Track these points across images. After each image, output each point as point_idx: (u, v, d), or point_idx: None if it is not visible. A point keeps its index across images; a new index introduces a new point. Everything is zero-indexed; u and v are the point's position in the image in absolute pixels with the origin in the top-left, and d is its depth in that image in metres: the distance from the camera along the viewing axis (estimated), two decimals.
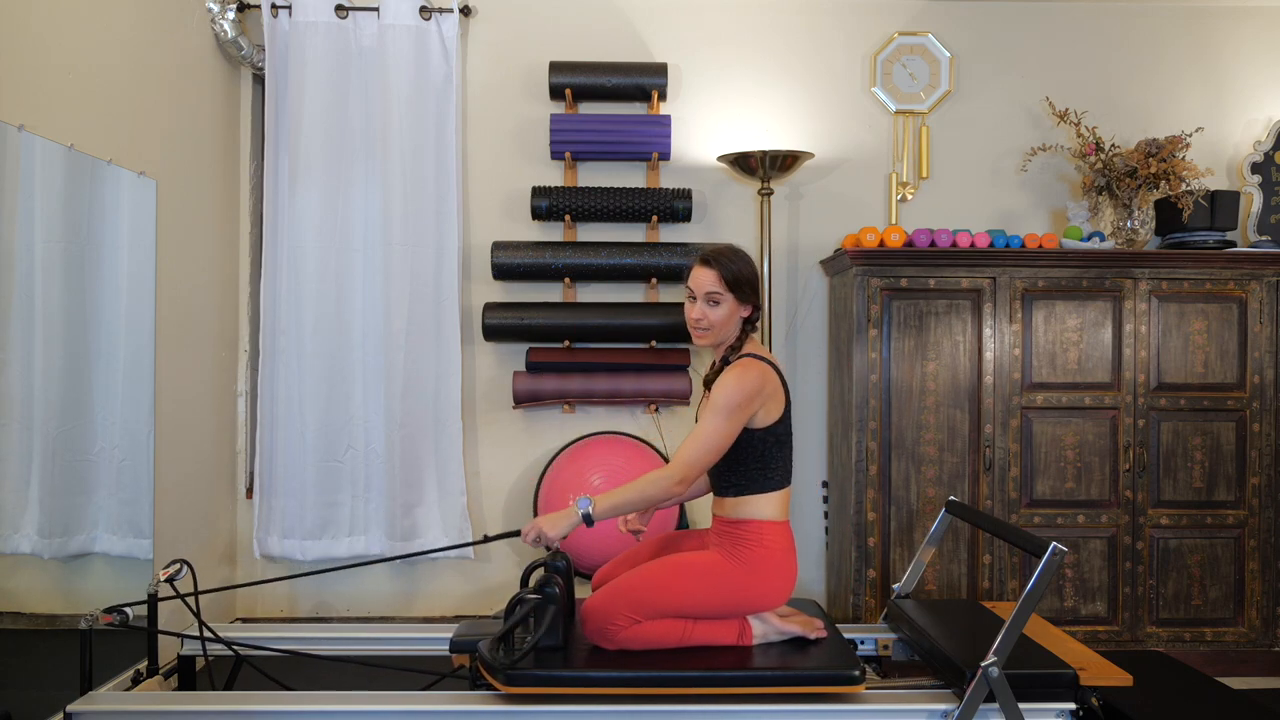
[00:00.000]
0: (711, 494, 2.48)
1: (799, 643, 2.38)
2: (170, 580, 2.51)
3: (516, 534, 2.45)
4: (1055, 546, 2.13)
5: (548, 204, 3.87)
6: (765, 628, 2.38)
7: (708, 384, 2.45)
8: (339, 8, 3.85)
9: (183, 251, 3.52)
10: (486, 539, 2.67)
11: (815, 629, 2.41)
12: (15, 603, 2.63)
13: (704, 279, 2.38)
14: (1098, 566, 3.62)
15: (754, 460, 2.36)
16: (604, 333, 3.84)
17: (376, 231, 3.88)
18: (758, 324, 2.47)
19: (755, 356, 2.37)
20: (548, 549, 2.34)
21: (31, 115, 2.63)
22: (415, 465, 3.87)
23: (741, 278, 2.37)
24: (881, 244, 3.63)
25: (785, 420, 2.39)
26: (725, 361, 2.42)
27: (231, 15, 3.76)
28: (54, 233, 2.77)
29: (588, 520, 2.28)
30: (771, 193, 3.83)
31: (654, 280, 3.90)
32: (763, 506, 2.36)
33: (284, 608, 4.02)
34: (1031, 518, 3.61)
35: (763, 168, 3.73)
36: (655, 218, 3.90)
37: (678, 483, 2.27)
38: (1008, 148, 4.06)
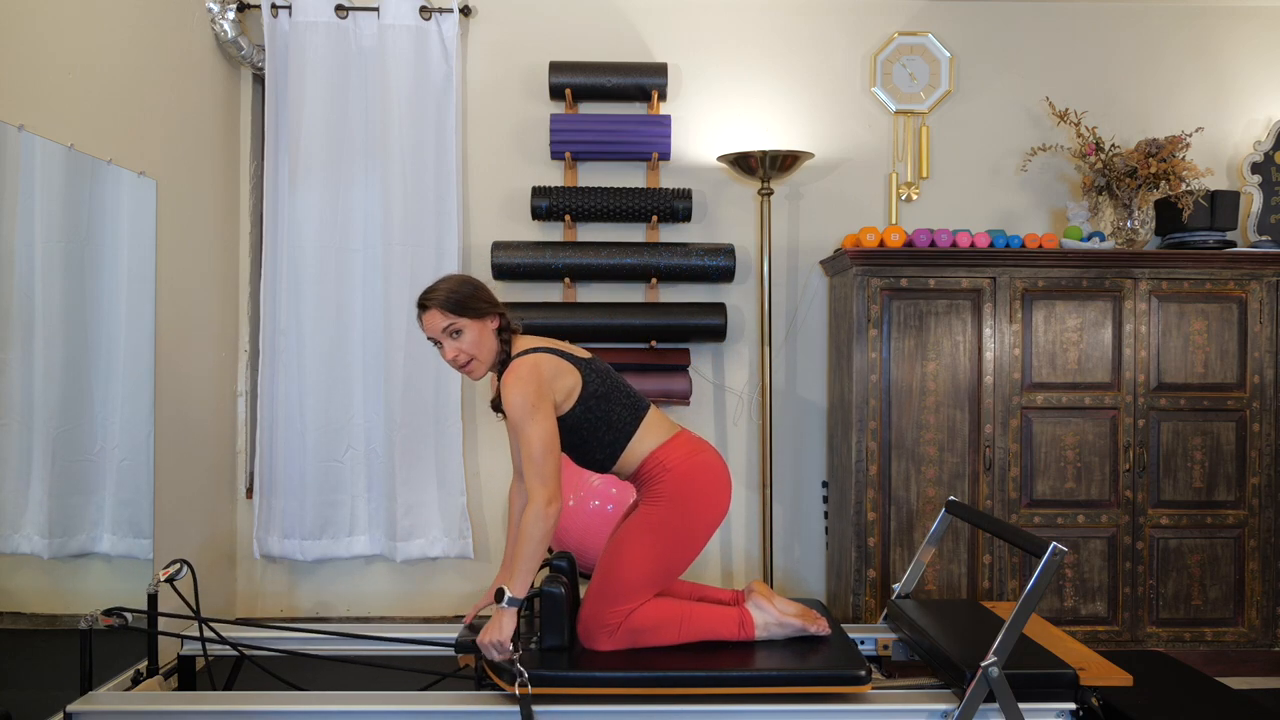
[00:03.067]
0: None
1: (804, 642, 2.38)
2: (170, 580, 2.51)
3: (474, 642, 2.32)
4: (1055, 546, 2.13)
5: (548, 204, 3.87)
6: (766, 618, 2.38)
7: (495, 407, 2.41)
8: (339, 8, 3.85)
9: (183, 251, 3.52)
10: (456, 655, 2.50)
11: (817, 622, 2.41)
12: (15, 603, 2.63)
13: (432, 320, 2.33)
14: (1098, 566, 3.62)
15: (594, 430, 2.35)
16: (604, 333, 3.84)
17: (376, 231, 3.88)
18: (515, 327, 2.40)
19: (520, 355, 2.31)
20: (511, 662, 2.20)
21: (31, 115, 2.63)
22: (415, 465, 3.87)
23: (461, 297, 2.31)
24: (881, 244, 3.63)
25: (590, 380, 2.34)
26: (506, 357, 2.37)
27: (231, 15, 3.76)
28: (54, 233, 2.76)
29: (515, 603, 2.21)
30: (771, 193, 3.82)
31: (654, 280, 3.90)
32: (640, 446, 2.36)
33: (284, 607, 4.02)
34: (1031, 518, 3.61)
35: (763, 168, 3.73)
36: (655, 218, 3.90)
37: (547, 504, 2.21)
38: (1008, 148, 4.06)
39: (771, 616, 2.39)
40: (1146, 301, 3.63)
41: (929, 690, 2.33)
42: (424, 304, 2.34)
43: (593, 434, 2.35)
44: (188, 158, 3.58)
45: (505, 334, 2.37)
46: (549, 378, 2.28)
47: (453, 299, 2.31)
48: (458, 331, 2.32)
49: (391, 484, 3.87)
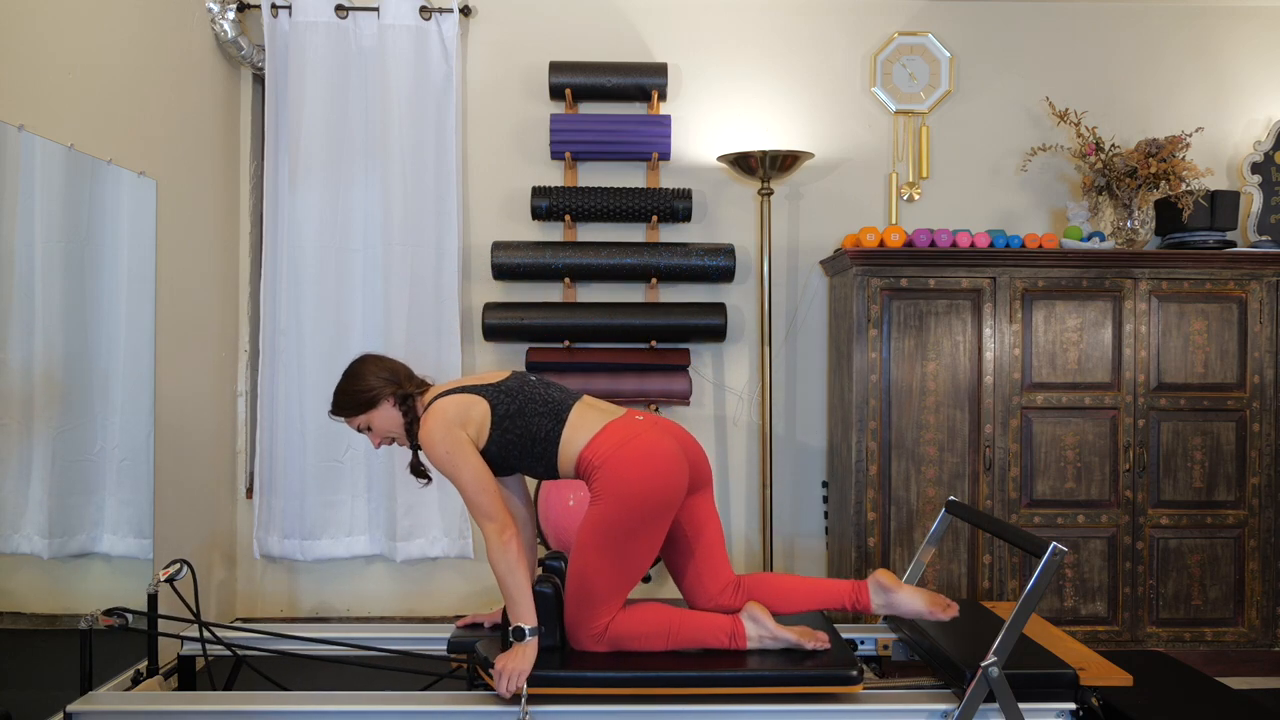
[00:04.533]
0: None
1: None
2: (170, 580, 2.51)
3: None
4: (1055, 546, 2.13)
5: (548, 204, 3.87)
6: (760, 630, 2.33)
7: (415, 471, 2.45)
8: (339, 8, 3.85)
9: (183, 251, 3.52)
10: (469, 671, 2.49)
11: (816, 639, 2.32)
12: (15, 603, 2.63)
13: (349, 425, 2.42)
14: (1098, 566, 3.62)
15: (520, 446, 2.33)
16: (604, 333, 3.84)
17: (376, 231, 3.88)
18: (416, 389, 2.40)
19: (427, 408, 2.33)
20: (519, 698, 2.19)
21: (31, 115, 2.63)
22: None
23: (350, 399, 2.37)
24: (881, 244, 3.63)
25: (498, 402, 2.33)
26: (415, 438, 2.39)
27: (231, 15, 3.76)
28: (54, 232, 2.77)
29: (536, 633, 2.22)
30: (771, 193, 3.83)
31: (654, 280, 3.90)
32: (569, 449, 2.33)
33: (284, 608, 4.02)
34: (1031, 518, 3.61)
35: (763, 168, 3.73)
36: (655, 218, 3.89)
37: (499, 535, 2.22)
38: (1008, 148, 4.06)
39: (765, 629, 2.33)
40: (1146, 301, 3.63)
41: (929, 690, 2.33)
42: (334, 412, 2.43)
43: (521, 450, 2.34)
44: (188, 158, 3.58)
45: (406, 403, 2.38)
46: (456, 419, 2.28)
47: (346, 403, 2.39)
48: (367, 426, 2.40)
49: (391, 484, 3.87)
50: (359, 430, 2.42)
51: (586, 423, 2.35)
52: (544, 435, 2.33)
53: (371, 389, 2.36)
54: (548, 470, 2.37)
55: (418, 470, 2.44)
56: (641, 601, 2.37)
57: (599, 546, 2.27)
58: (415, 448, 2.41)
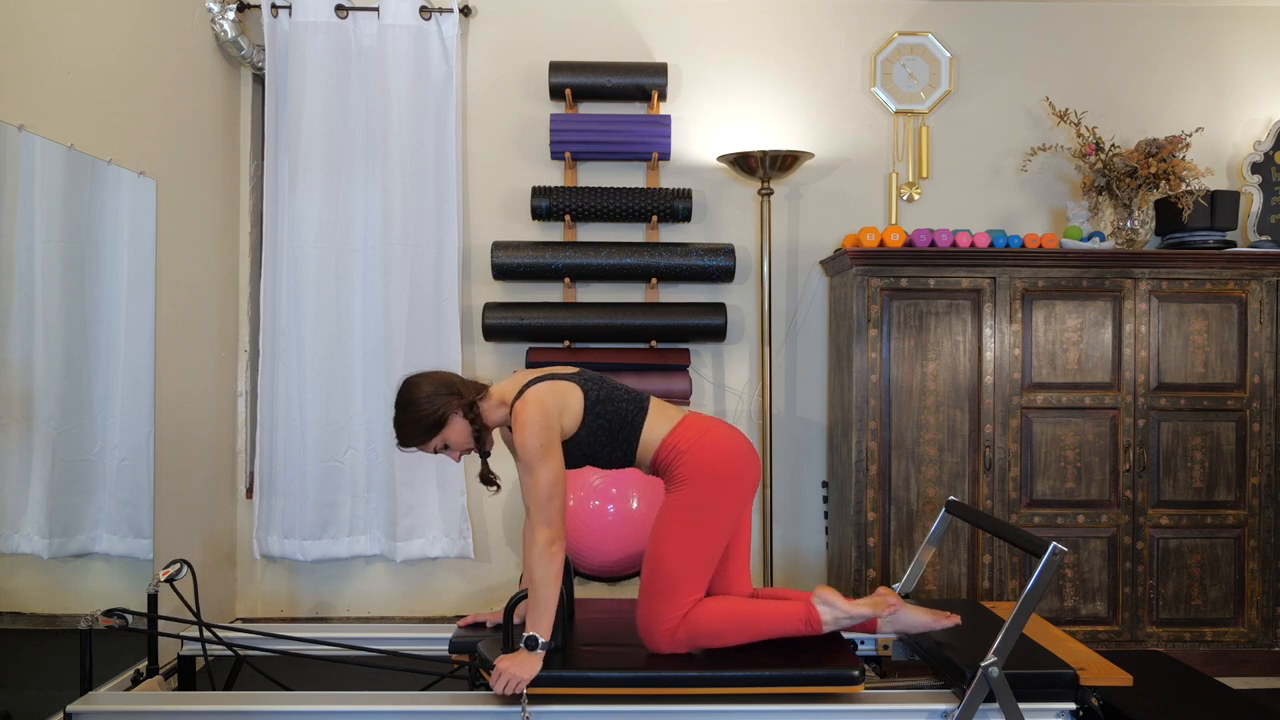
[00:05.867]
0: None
1: (799, 642, 2.36)
2: (170, 580, 2.51)
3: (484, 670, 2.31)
4: (1055, 546, 2.13)
5: (548, 204, 3.87)
6: (834, 612, 2.32)
7: (484, 480, 2.40)
8: (339, 8, 3.85)
9: (183, 251, 3.52)
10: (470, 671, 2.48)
11: (887, 606, 2.33)
12: (15, 603, 2.63)
13: (424, 451, 2.34)
14: (1098, 566, 3.62)
15: (609, 431, 2.35)
16: (604, 333, 3.84)
17: (376, 231, 3.88)
18: (479, 395, 2.33)
19: (518, 397, 2.29)
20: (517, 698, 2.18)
21: (31, 115, 2.63)
22: (415, 465, 3.87)
23: (418, 426, 2.28)
24: (881, 244, 3.63)
25: (590, 388, 2.34)
26: (482, 446, 2.36)
27: (231, 15, 3.76)
28: (54, 233, 2.76)
29: (546, 647, 2.19)
30: (771, 193, 3.83)
31: (654, 280, 3.90)
32: (652, 435, 2.36)
33: (284, 608, 4.02)
34: (1031, 518, 3.61)
35: (763, 168, 3.73)
36: (655, 218, 3.89)
37: (549, 544, 2.20)
38: (1008, 148, 4.06)
39: (839, 610, 2.33)
40: (1146, 301, 3.63)
41: (929, 690, 2.33)
42: (401, 445, 2.34)
43: (608, 436, 2.36)
44: (188, 158, 3.58)
45: (472, 411, 2.31)
46: (554, 407, 2.28)
47: (411, 429, 2.29)
48: (436, 449, 2.33)
49: (391, 484, 3.87)
50: (435, 453, 2.34)
51: (667, 413, 2.41)
52: (630, 420, 2.37)
53: (437, 409, 2.27)
54: (626, 456, 2.39)
55: (487, 479, 2.39)
56: (708, 599, 2.35)
57: (679, 532, 2.31)
58: (485, 455, 2.37)
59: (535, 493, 2.23)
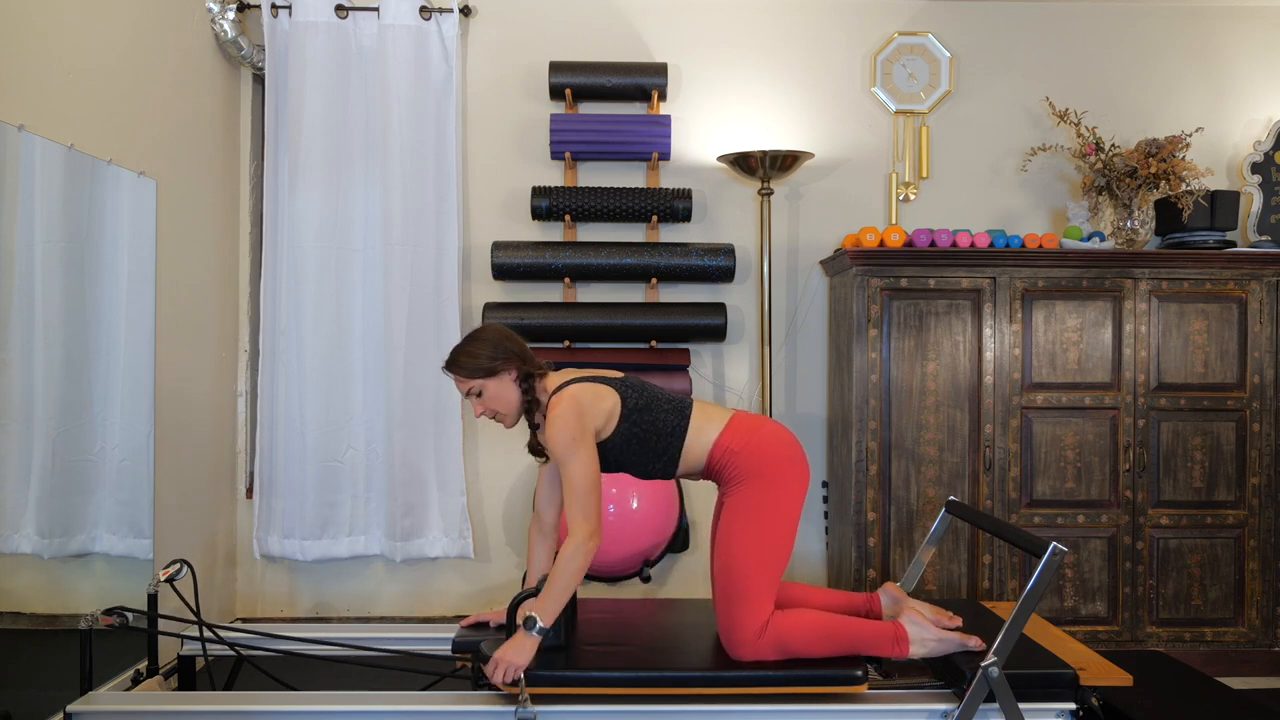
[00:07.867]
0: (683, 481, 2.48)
1: None
2: (170, 580, 2.51)
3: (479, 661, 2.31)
4: (1055, 546, 2.13)
5: (548, 204, 3.87)
6: (923, 633, 2.30)
7: (532, 451, 2.46)
8: (339, 8, 3.85)
9: (183, 251, 3.52)
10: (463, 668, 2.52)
11: (974, 640, 2.29)
12: (15, 603, 2.63)
13: (458, 385, 2.36)
14: (1098, 566, 3.62)
15: (646, 440, 2.35)
16: (604, 333, 3.84)
17: (376, 231, 3.88)
18: (540, 371, 2.38)
19: (555, 393, 2.32)
20: (517, 683, 2.18)
21: (31, 115, 2.63)
22: (415, 465, 3.87)
23: (476, 362, 2.31)
24: (881, 244, 3.63)
25: (628, 396, 2.35)
26: (532, 419, 2.40)
27: (231, 15, 3.76)
28: (54, 233, 2.76)
29: (543, 632, 2.19)
30: (771, 193, 3.83)
31: (654, 280, 3.90)
32: (699, 442, 2.36)
33: (284, 608, 4.02)
34: (1031, 518, 3.61)
35: (763, 168, 3.73)
36: (655, 218, 3.89)
37: (587, 539, 2.20)
38: (1008, 148, 4.06)
39: (929, 634, 2.31)
40: (1146, 301, 3.63)
41: (929, 690, 2.33)
42: (448, 368, 2.36)
43: (643, 445, 2.36)
44: (188, 158, 3.58)
45: (527, 382, 2.36)
46: (588, 406, 2.29)
47: (469, 365, 2.32)
48: (480, 392, 2.34)
49: (391, 484, 3.87)
50: (466, 394, 2.35)
51: (713, 416, 2.40)
52: (670, 430, 2.36)
53: (496, 358, 2.32)
54: (666, 467, 2.39)
55: (536, 450, 2.44)
56: (800, 611, 2.34)
57: (749, 529, 2.30)
58: (534, 427, 2.41)
59: (572, 486, 2.24)
